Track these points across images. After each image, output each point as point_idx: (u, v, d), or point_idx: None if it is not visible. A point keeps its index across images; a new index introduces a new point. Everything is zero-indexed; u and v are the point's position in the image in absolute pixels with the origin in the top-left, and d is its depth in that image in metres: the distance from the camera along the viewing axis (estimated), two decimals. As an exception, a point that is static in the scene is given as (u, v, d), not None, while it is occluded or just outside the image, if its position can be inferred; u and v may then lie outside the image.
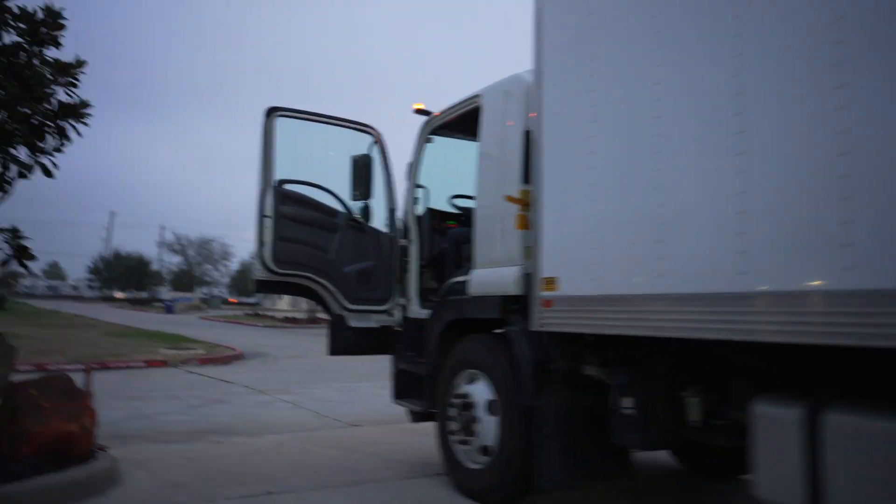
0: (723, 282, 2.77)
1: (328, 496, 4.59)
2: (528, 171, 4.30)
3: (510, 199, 4.27)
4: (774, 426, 2.77)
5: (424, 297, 5.69)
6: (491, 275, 4.48)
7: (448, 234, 5.59)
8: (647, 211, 3.17)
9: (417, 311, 5.64)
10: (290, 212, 5.26)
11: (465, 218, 5.83)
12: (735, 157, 2.77)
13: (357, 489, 4.79)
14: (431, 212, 5.76)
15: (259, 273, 5.22)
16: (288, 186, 5.32)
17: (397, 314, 5.72)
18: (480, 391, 4.47)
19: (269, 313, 47.00)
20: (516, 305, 4.27)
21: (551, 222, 3.84)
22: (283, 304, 70.60)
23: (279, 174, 5.29)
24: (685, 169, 3.00)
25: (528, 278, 4.20)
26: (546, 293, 3.81)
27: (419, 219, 5.75)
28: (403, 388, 5.59)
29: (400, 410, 9.31)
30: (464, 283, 4.87)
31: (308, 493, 4.63)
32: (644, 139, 3.20)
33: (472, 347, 4.62)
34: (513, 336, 4.18)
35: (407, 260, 5.73)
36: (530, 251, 4.25)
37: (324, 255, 5.41)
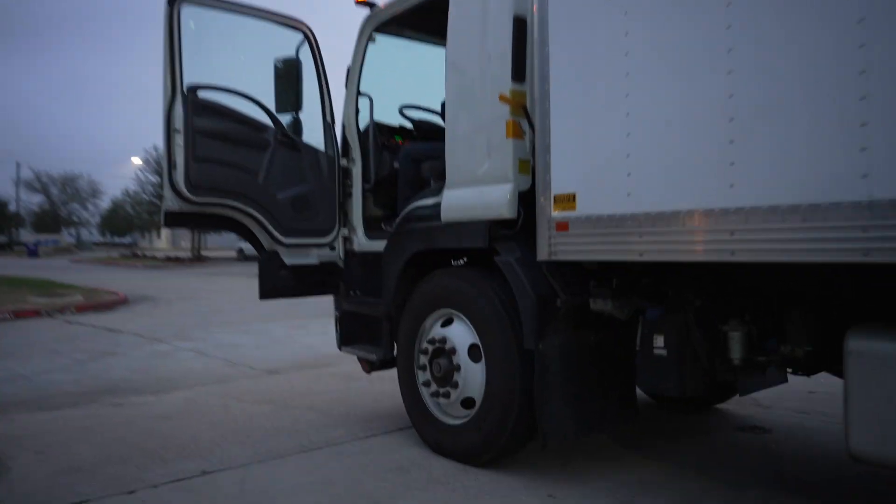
0: (840, 188, 2.15)
1: (280, 470, 3.78)
2: (519, 68, 3.51)
3: (503, 98, 3.47)
4: (885, 365, 2.23)
5: (371, 227, 4.86)
6: (473, 196, 3.71)
7: (402, 151, 4.73)
8: (713, 103, 2.49)
9: (364, 242, 4.81)
10: (206, 125, 4.22)
11: (419, 132, 4.99)
12: (857, 25, 2.11)
13: (312, 458, 4.01)
14: (377, 126, 4.86)
15: (170, 203, 4.19)
16: (203, 94, 4.26)
17: (339, 247, 4.86)
18: (459, 334, 3.77)
19: (149, 253, 44.04)
20: (508, 231, 3.55)
21: (566, 125, 3.10)
22: (163, 242, 66.39)
23: (190, 79, 4.20)
24: (777, 43, 2.32)
25: (524, 197, 3.47)
26: (560, 214, 3.11)
27: (362, 134, 4.85)
28: (351, 333, 4.80)
29: (321, 352, 8.68)
30: (430, 207, 4.08)
31: (253, 469, 3.80)
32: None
33: (448, 283, 3.88)
34: (509, 268, 3.47)
35: (349, 183, 4.85)
36: (526, 164, 3.52)
37: (251, 179, 4.43)
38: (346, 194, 4.84)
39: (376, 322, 4.52)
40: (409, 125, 5.09)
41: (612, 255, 2.92)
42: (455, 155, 3.86)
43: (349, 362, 7.69)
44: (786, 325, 2.95)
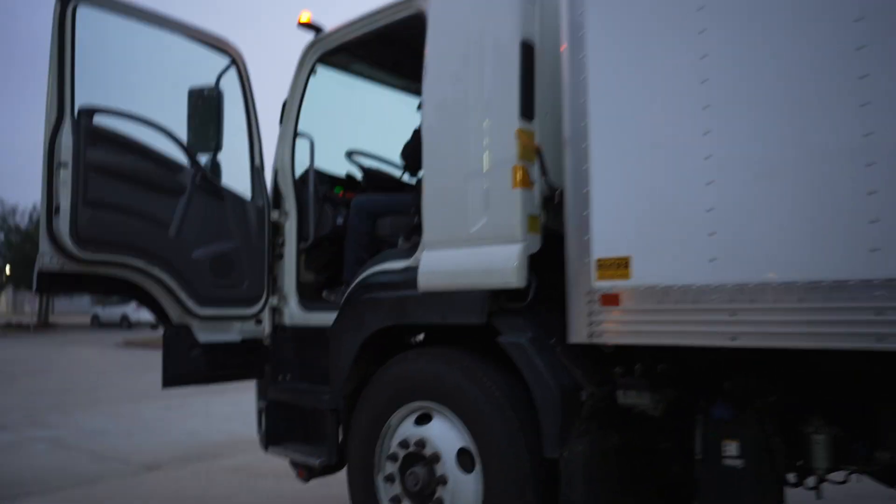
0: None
1: None
2: (527, 103, 2.85)
3: (522, 137, 2.78)
4: None
5: (307, 296, 3.96)
6: (464, 259, 2.95)
7: (353, 203, 3.90)
8: (847, 139, 1.92)
9: (297, 315, 3.90)
10: (103, 160, 3.23)
11: (368, 182, 4.19)
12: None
13: None
14: (318, 174, 4.02)
15: (47, 259, 3.11)
16: (100, 120, 3.27)
17: (266, 321, 3.91)
18: (443, 436, 2.93)
19: (-18, 319, 39.21)
20: (514, 304, 2.81)
21: (612, 172, 2.44)
22: (1, 305, 59.06)
23: (84, 98, 3.22)
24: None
25: (533, 261, 2.77)
26: (606, 283, 2.41)
27: (298, 182, 3.99)
28: (280, 430, 3.80)
29: (208, 440, 7.40)
30: (398, 272, 3.27)
31: None
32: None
33: (426, 368, 3.05)
34: (520, 352, 2.71)
35: (281, 242, 3.95)
36: (535, 221, 2.82)
37: (159, 232, 3.44)
38: (277, 255, 3.93)
39: (317, 416, 3.59)
40: (354, 174, 4.29)
41: (687, 338, 2.25)
42: (436, 209, 3.10)
43: (245, 452, 6.58)
44: (881, 424, 2.37)
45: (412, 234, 3.33)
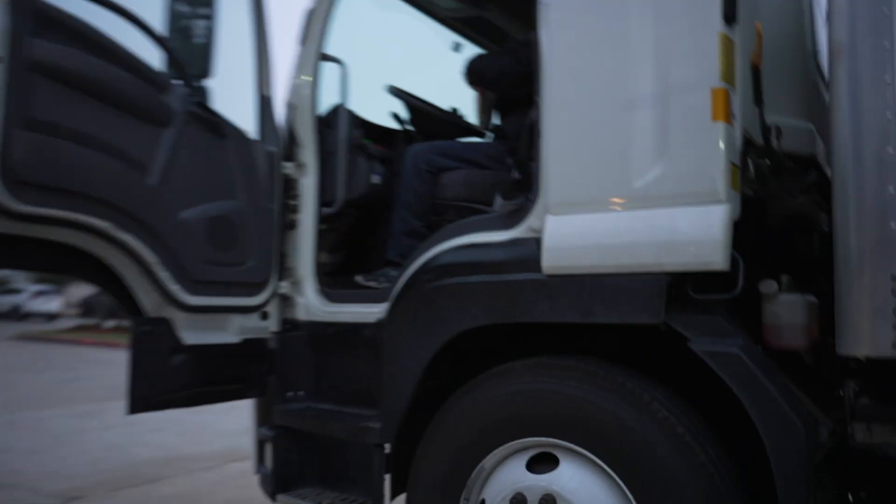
0: None
1: None
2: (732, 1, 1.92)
3: (725, 45, 1.85)
4: None
5: (331, 280, 2.90)
6: (624, 226, 1.99)
7: (411, 154, 2.86)
8: None
9: (318, 307, 2.81)
10: (54, 58, 2.06)
11: (420, 126, 3.16)
12: None
13: None
14: (350, 116, 2.96)
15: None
16: (52, -2, 2.10)
17: (274, 315, 2.81)
18: (583, 490, 1.96)
19: None
20: (713, 294, 1.88)
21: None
22: None
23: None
24: None
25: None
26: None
27: (322, 124, 2.91)
28: (293, 468, 2.71)
29: (136, 458, 6.01)
30: (498, 248, 2.27)
31: None
32: None
33: (554, 390, 2.06)
34: (736, 367, 1.78)
35: (295, 204, 2.85)
36: (736, 174, 1.90)
37: (134, 179, 2.29)
38: (289, 223, 2.83)
39: (350, 452, 2.55)
40: (396, 121, 3.24)
41: None
42: (569, 155, 2.12)
43: (189, 475, 5.38)
44: None
45: (514, 193, 2.33)
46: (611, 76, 2.06)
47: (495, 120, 3.13)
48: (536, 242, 2.16)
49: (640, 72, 2.00)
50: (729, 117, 1.90)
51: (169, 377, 2.42)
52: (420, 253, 2.49)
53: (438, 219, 2.76)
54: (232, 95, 2.69)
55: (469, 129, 3.21)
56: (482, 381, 2.20)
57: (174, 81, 2.43)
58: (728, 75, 1.91)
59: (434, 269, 2.38)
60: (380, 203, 3.04)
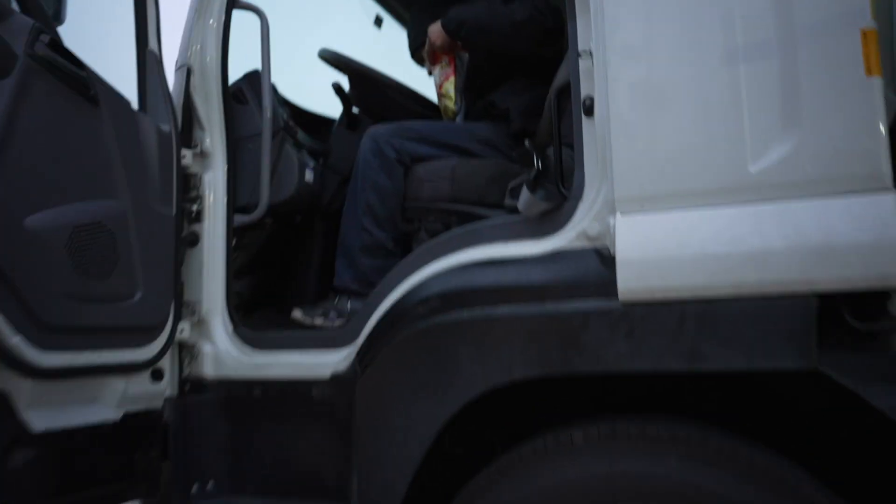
0: None
1: None
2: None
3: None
4: None
5: (248, 317, 2.05)
6: (747, 228, 1.37)
7: (370, 137, 2.06)
8: None
9: (231, 356, 1.94)
10: None
11: (369, 110, 2.39)
12: None
13: None
14: (274, 90, 2.14)
15: None
16: None
17: (169, 374, 1.91)
18: None
19: None
20: (881, 322, 1.31)
21: None
22: None
23: None
24: None
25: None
26: None
27: (236, 97, 2.08)
28: None
29: None
30: (534, 263, 1.58)
31: None
32: None
33: (649, 474, 1.39)
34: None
35: (196, 210, 1.97)
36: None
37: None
38: (187, 237, 1.96)
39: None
40: (337, 96, 2.41)
41: None
42: (649, 127, 1.48)
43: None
44: None
45: (538, 187, 1.65)
46: (711, 15, 1.45)
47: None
48: (599, 255, 1.50)
49: (755, 7, 1.41)
50: (881, 70, 1.36)
51: (5, 489, 1.47)
52: (401, 275, 1.73)
53: (411, 227, 2.02)
54: (101, 57, 1.78)
55: (435, 111, 2.45)
56: (525, 461, 1.49)
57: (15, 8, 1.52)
58: (878, 12, 1.38)
59: (436, 299, 1.62)
60: (312, 208, 2.24)
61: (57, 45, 1.53)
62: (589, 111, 1.59)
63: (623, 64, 1.51)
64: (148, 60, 1.89)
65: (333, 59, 2.28)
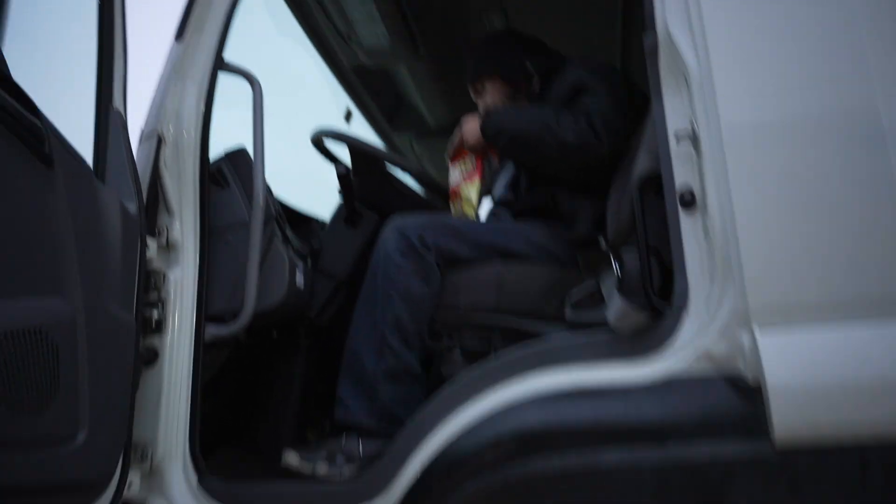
0: None
1: None
2: None
3: None
4: None
5: (219, 463, 1.53)
6: None
7: (393, 230, 1.65)
8: None
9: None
10: None
11: (374, 201, 1.99)
12: None
13: None
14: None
15: None
16: None
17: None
18: None
19: None
20: None
21: None
22: None
23: None
24: None
25: None
26: None
27: (214, 178, 1.65)
28: None
29: None
30: (631, 397, 1.21)
31: None
32: None
33: None
34: None
35: (156, 320, 1.49)
36: None
37: None
38: (144, 353, 1.46)
39: None
40: (336, 172, 1.98)
41: None
42: (803, 218, 1.20)
43: None
44: None
45: (631, 293, 1.32)
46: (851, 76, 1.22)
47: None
48: (731, 382, 1.16)
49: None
50: None
51: None
52: (447, 407, 1.31)
53: (438, 345, 1.61)
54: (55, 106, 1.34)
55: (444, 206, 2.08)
56: None
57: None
58: None
59: (511, 440, 1.21)
60: (297, 320, 1.80)
61: (2, 74, 1.09)
62: (688, 204, 1.31)
63: (747, 145, 1.24)
64: (111, 121, 1.46)
65: (337, 138, 1.91)
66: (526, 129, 1.72)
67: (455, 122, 2.99)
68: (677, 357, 1.23)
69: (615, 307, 1.29)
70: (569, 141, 1.65)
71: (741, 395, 1.15)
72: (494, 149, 1.86)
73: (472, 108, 2.12)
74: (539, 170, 1.85)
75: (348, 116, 2.74)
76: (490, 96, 2.02)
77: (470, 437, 1.26)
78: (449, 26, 2.54)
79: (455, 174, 1.93)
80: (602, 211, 1.63)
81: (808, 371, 1.12)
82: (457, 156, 1.93)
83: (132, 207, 1.40)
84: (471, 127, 1.88)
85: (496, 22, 2.57)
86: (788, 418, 1.10)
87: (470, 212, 1.90)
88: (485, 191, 1.96)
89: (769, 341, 1.15)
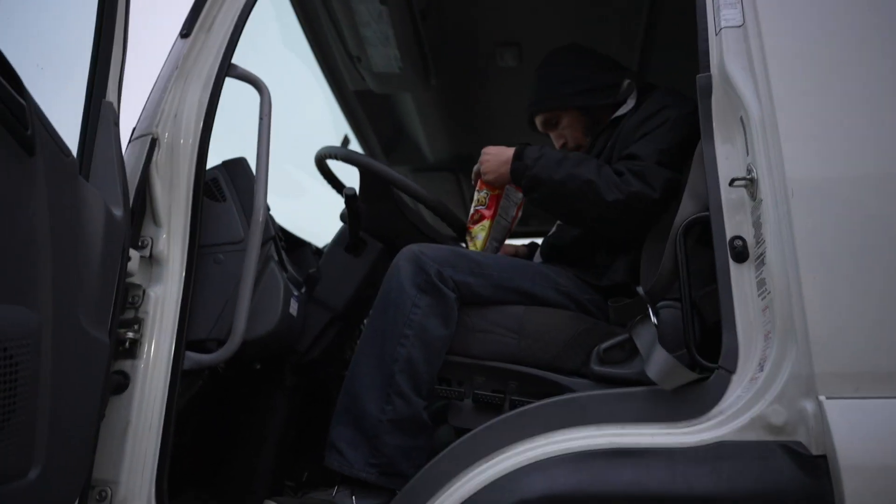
0: None
1: None
2: None
3: None
4: None
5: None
6: None
7: (406, 257, 1.48)
8: None
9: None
10: None
11: (378, 228, 1.83)
12: None
13: None
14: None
15: None
16: None
17: None
18: None
19: None
20: None
21: None
22: None
23: None
24: None
25: None
26: None
27: (209, 189, 1.49)
28: None
29: None
30: (676, 463, 1.07)
31: None
32: None
33: None
34: None
35: (133, 336, 1.31)
36: None
37: None
38: (113, 378, 1.28)
39: None
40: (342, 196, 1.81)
41: None
42: (883, 278, 1.09)
43: None
44: None
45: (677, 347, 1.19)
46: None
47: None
48: (791, 453, 1.03)
49: None
50: None
51: None
52: (463, 463, 1.15)
53: (445, 392, 1.44)
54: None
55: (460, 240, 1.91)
56: None
57: None
58: None
59: (540, 505, 1.06)
60: (285, 353, 1.62)
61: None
62: (740, 255, 1.19)
63: (816, 197, 1.13)
64: (102, 115, 1.30)
65: (348, 160, 1.76)
66: (562, 182, 1.53)
67: (455, 160, 2.88)
68: (731, 423, 1.09)
69: (659, 362, 1.16)
70: (609, 200, 1.49)
71: (803, 468, 1.02)
72: (528, 199, 1.69)
73: (475, 145, 1.95)
74: (571, 225, 1.70)
75: (345, 143, 2.61)
76: (569, 131, 1.85)
77: (490, 497, 1.09)
78: (463, 57, 2.44)
79: (474, 203, 1.77)
80: (637, 258, 1.50)
81: (883, 447, 1.00)
82: (478, 183, 1.77)
83: (117, 212, 1.24)
84: (494, 163, 1.69)
85: (509, 58, 2.48)
86: (862, 498, 0.96)
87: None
88: (499, 233, 1.80)
89: (838, 412, 1.02)
